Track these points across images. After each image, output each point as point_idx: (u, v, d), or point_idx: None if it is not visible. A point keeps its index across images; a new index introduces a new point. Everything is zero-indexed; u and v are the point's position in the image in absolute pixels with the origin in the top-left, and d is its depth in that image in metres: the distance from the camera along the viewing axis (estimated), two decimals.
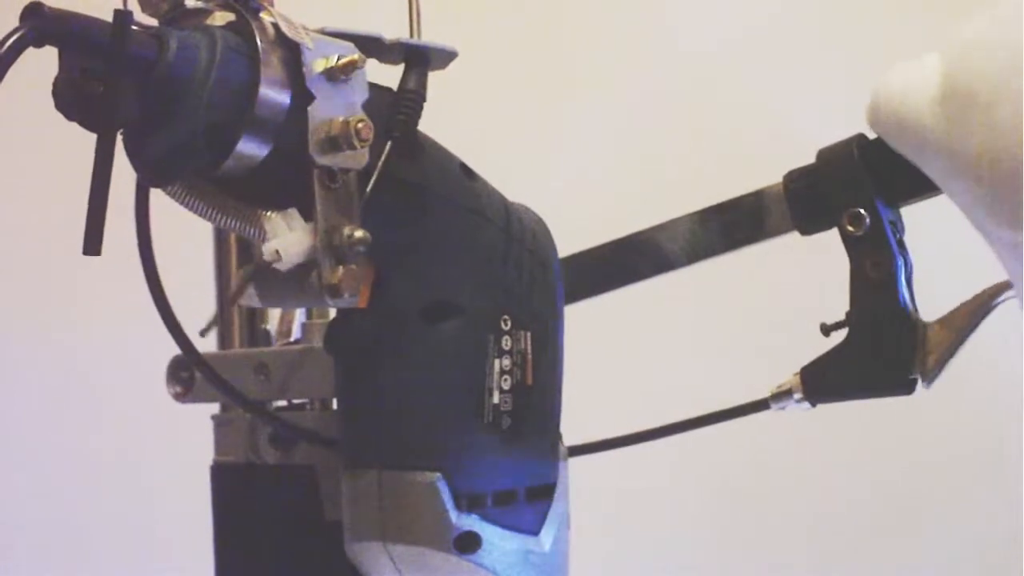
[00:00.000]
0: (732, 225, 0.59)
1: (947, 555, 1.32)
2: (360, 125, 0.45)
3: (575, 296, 0.62)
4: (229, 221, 0.46)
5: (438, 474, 0.51)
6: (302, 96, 0.44)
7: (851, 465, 1.33)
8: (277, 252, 0.45)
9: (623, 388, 1.25)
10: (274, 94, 0.44)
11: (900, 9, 1.28)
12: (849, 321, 0.55)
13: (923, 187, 0.53)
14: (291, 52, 0.44)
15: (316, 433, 0.58)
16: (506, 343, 0.53)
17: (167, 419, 1.14)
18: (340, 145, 0.45)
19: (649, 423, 0.61)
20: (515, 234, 0.54)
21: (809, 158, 0.58)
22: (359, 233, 0.46)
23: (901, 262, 0.54)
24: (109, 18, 0.40)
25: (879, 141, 0.54)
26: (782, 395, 0.57)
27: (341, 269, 0.46)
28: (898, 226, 0.56)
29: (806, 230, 0.57)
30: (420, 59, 0.51)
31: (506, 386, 0.53)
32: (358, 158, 0.46)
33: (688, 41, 1.34)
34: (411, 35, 0.51)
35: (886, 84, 0.52)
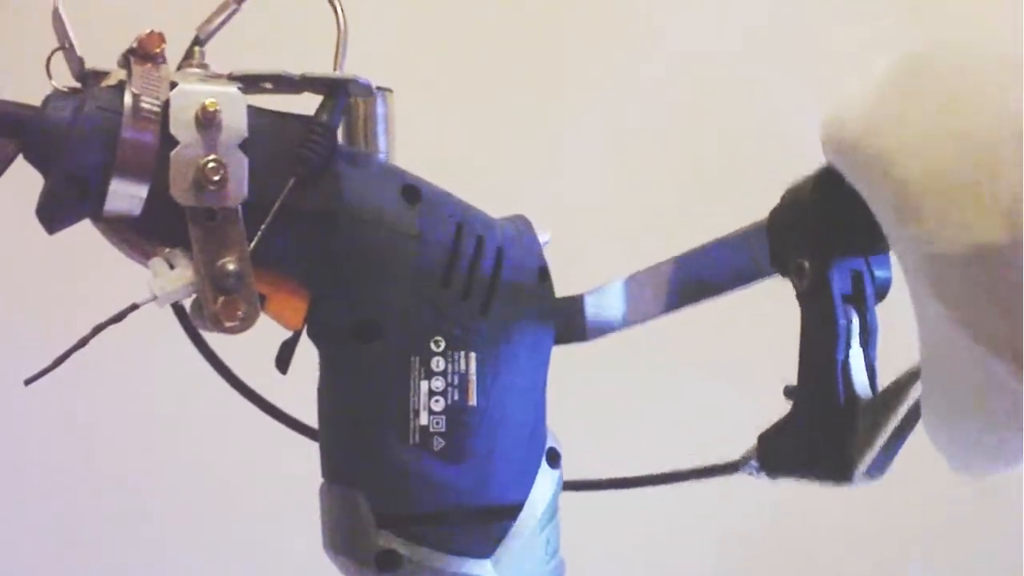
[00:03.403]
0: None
1: None
2: (209, 167, 0.48)
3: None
4: (136, 257, 0.51)
5: (361, 491, 0.53)
6: (166, 142, 0.48)
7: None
8: (153, 293, 0.49)
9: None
10: (138, 141, 0.48)
11: (901, 13, 1.06)
12: (796, 387, 0.47)
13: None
14: (163, 103, 0.49)
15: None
16: (437, 364, 0.52)
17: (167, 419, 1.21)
18: (203, 186, 0.48)
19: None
20: (464, 253, 0.53)
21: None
22: (232, 266, 0.49)
23: (847, 324, 0.45)
24: None
25: (839, 175, 0.45)
26: (748, 460, 0.50)
27: (221, 300, 0.50)
28: (864, 280, 0.46)
29: (781, 274, 0.49)
30: (335, 91, 0.52)
31: (437, 407, 0.52)
32: (226, 196, 0.49)
33: (687, 42, 1.25)
34: (334, 67, 0.53)
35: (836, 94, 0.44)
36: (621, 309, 0.59)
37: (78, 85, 0.51)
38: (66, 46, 0.51)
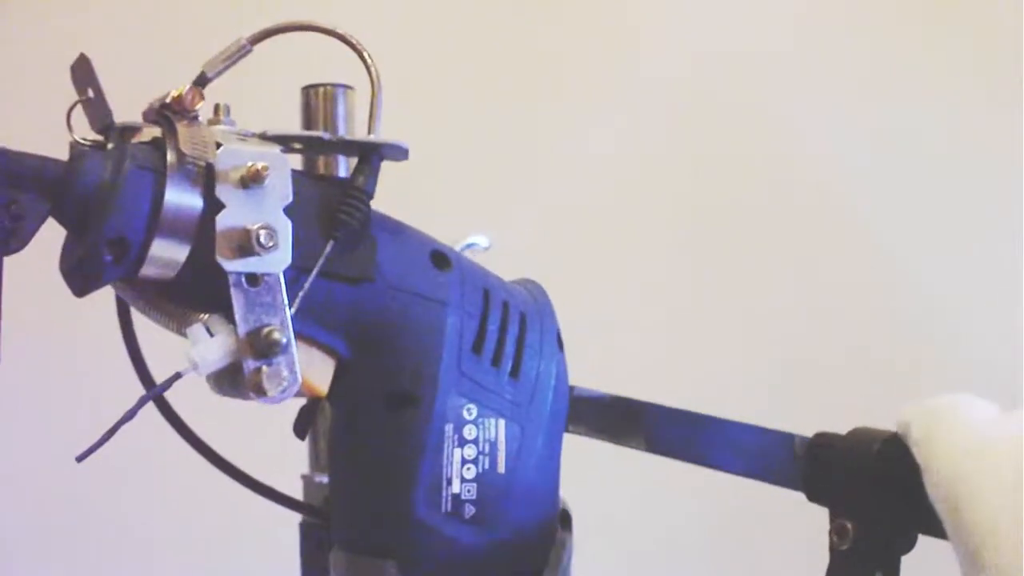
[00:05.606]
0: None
1: None
2: (262, 233, 0.46)
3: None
4: (169, 323, 0.49)
5: (391, 561, 0.52)
6: (212, 204, 0.46)
7: None
8: (194, 361, 0.47)
9: None
10: (183, 203, 0.46)
11: (900, 14, 1.17)
12: None
13: None
14: (207, 164, 0.46)
15: (294, 499, 0.59)
16: (469, 432, 0.52)
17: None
18: (249, 250, 0.47)
19: None
20: (493, 320, 0.53)
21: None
22: (276, 335, 0.47)
23: None
24: None
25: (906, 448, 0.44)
26: None
27: (264, 369, 0.48)
28: (897, 544, 0.45)
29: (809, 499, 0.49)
30: (369, 155, 0.51)
31: (469, 475, 0.52)
32: (272, 262, 0.47)
33: (686, 43, 1.29)
34: (368, 130, 0.52)
35: (941, 424, 0.42)
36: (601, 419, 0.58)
37: (98, 137, 0.49)
38: (91, 96, 0.48)
